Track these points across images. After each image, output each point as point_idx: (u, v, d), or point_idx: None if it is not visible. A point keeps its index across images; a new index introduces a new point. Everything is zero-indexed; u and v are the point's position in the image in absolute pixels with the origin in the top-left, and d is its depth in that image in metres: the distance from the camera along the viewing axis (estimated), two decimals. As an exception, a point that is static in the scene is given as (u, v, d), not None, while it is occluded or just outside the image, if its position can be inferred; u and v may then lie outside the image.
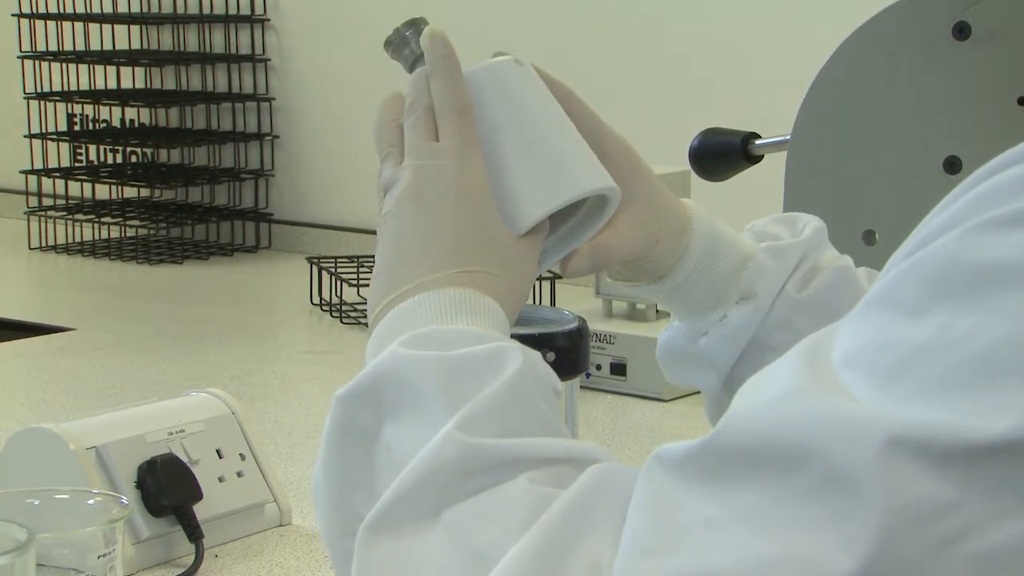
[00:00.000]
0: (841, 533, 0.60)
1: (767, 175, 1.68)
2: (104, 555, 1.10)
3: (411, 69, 0.90)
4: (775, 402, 0.64)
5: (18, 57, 3.18)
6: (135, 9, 3.22)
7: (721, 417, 0.67)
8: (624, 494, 0.69)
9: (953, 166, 1.45)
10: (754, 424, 0.64)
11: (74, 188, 3.19)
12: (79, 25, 3.20)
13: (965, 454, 0.59)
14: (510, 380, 0.77)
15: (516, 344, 0.81)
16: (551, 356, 0.93)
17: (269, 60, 3.14)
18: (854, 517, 0.60)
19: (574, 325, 1.08)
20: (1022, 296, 0.61)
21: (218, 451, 1.46)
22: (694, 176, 1.65)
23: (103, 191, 3.22)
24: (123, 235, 3.13)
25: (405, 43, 0.91)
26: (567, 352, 0.82)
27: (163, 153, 3.21)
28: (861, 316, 0.66)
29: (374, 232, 0.89)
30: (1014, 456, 0.59)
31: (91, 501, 1.16)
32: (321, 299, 2.50)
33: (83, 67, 3.18)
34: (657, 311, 2.05)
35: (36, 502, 1.10)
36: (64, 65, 3.16)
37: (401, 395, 0.78)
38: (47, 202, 3.16)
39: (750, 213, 1.18)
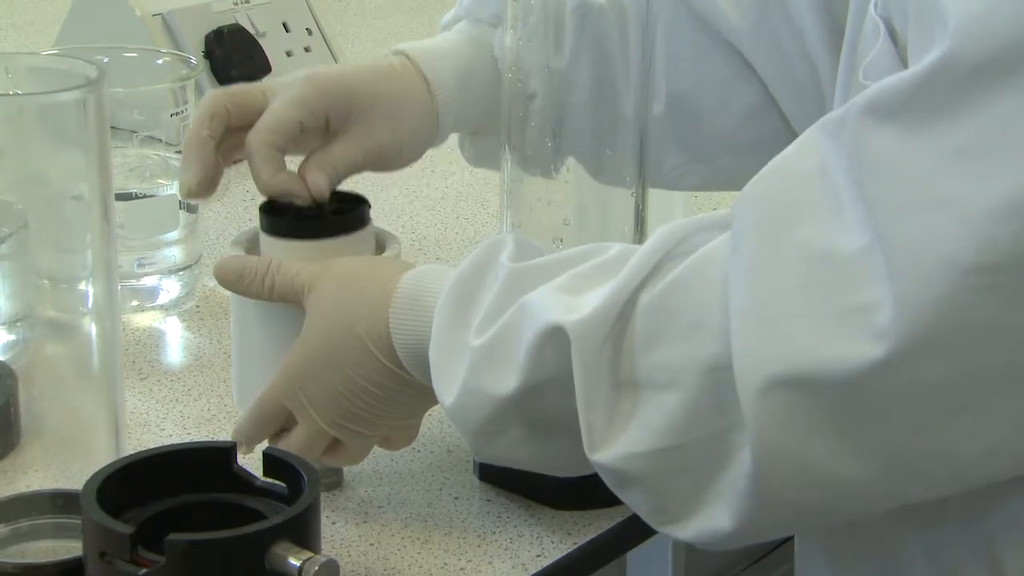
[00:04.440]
0: None
1: None
2: (176, 114, 1.09)
3: None
4: None
5: None
6: None
7: None
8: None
9: None
10: (991, 25, 0.58)
11: None
12: None
13: None
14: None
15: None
16: None
17: None
18: None
19: None
20: None
21: (284, 24, 1.43)
22: None
23: None
24: None
25: None
26: None
27: None
28: None
29: None
30: None
31: (160, 61, 1.14)
32: None
33: None
34: None
35: (105, 59, 1.08)
36: None
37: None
38: None
39: None
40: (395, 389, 0.80)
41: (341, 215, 0.87)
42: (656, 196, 0.93)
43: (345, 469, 0.89)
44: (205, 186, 0.87)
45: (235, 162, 0.90)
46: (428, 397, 0.78)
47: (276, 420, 0.83)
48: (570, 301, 0.70)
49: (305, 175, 0.86)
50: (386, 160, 0.91)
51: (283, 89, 0.88)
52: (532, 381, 0.71)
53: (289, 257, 0.85)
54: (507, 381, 0.71)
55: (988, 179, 0.58)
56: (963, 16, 0.59)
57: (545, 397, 0.71)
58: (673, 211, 1.12)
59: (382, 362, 0.79)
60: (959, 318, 0.59)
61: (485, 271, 0.75)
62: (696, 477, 0.67)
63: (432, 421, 0.91)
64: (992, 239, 0.58)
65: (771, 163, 0.67)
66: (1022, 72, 0.58)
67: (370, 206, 0.88)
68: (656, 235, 0.70)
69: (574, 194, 0.90)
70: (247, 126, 0.87)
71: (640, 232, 0.90)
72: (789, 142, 0.94)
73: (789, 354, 0.62)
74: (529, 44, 0.87)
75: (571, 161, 0.89)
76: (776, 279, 0.63)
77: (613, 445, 0.68)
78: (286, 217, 0.86)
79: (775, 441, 0.63)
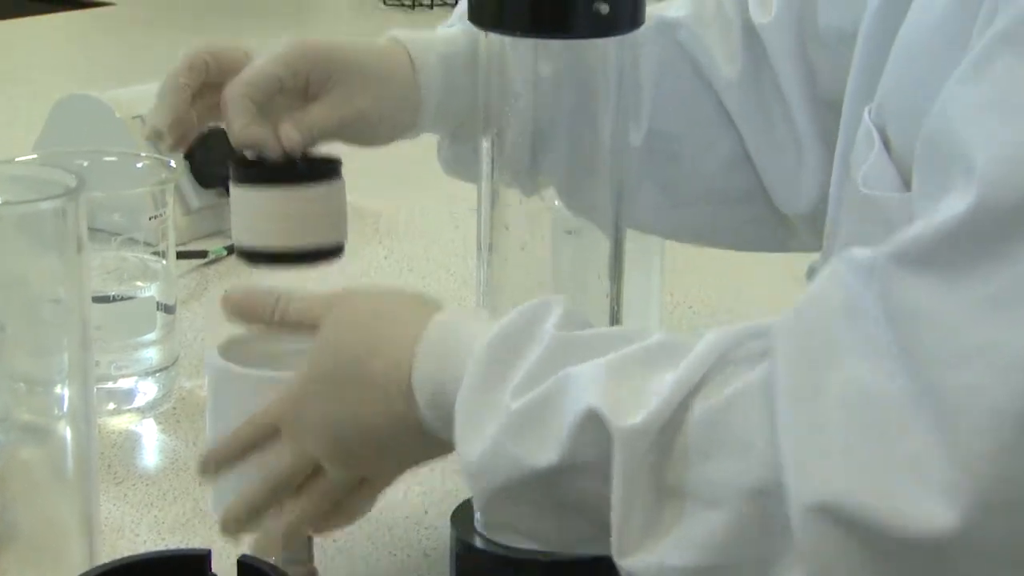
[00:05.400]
0: None
1: None
2: (155, 217, 1.09)
3: None
4: None
5: None
6: None
7: None
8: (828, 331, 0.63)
9: None
10: (1020, 170, 0.58)
11: None
12: None
13: None
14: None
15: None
16: (605, 7, 0.86)
17: None
18: None
19: None
20: None
21: (265, 124, 1.45)
22: None
23: None
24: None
25: None
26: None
27: None
28: None
29: None
30: None
31: (140, 164, 1.15)
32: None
33: None
34: None
35: (85, 163, 1.08)
36: None
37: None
38: None
39: None
40: (397, 431, 0.77)
41: (311, 164, 0.87)
42: (632, 294, 0.93)
43: (319, 571, 0.88)
44: (174, 130, 0.87)
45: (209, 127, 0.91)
46: (429, 447, 0.76)
47: (260, 440, 0.80)
48: (616, 390, 0.68)
49: (278, 129, 0.86)
50: (362, 132, 0.91)
51: (266, 50, 0.88)
52: (569, 461, 0.69)
53: (257, 206, 0.85)
54: (544, 454, 0.69)
55: (1011, 333, 0.58)
56: (990, 160, 0.59)
57: (578, 479, 0.69)
58: (649, 314, 1.13)
59: (392, 400, 0.76)
60: (1017, 468, 0.58)
61: (529, 333, 0.73)
62: None
63: (408, 524, 0.91)
64: None
65: (802, 298, 0.65)
66: None
67: (342, 163, 0.88)
68: (707, 340, 0.68)
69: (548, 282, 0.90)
70: (225, 84, 0.86)
71: (615, 323, 0.90)
72: (762, 202, 0.95)
73: (841, 490, 0.60)
74: (518, 45, 0.86)
75: (545, 247, 0.89)
76: (817, 422, 0.62)
77: (649, 553, 0.66)
78: (255, 166, 0.86)
79: None
